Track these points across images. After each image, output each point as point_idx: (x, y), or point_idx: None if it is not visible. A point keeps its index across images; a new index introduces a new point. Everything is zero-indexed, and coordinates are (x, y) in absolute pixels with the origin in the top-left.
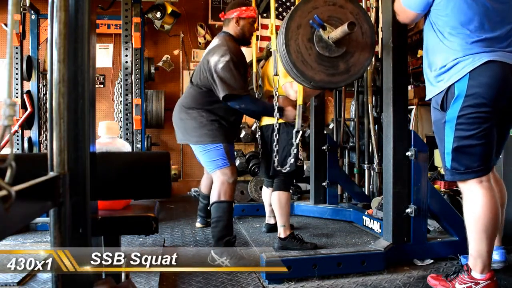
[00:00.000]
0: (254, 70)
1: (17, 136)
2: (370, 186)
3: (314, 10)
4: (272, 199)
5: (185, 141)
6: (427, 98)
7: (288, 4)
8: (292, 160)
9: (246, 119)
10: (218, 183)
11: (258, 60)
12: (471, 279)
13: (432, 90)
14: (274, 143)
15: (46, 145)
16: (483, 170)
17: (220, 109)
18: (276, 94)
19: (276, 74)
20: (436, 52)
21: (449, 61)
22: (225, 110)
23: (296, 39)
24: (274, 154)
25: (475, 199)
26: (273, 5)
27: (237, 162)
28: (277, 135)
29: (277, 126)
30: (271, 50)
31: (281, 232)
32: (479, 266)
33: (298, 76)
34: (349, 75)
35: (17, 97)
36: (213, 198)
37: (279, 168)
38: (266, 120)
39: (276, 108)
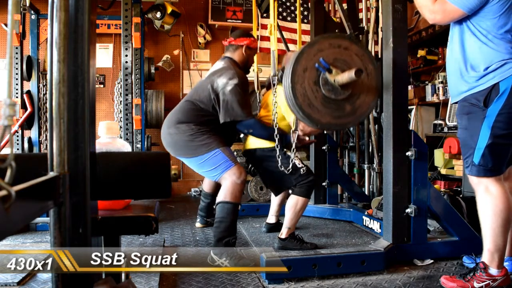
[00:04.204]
0: (256, 71)
1: (17, 136)
2: (370, 186)
3: (319, 53)
4: (289, 200)
5: (178, 156)
6: (457, 95)
7: (288, 4)
8: (299, 164)
9: None
10: (226, 184)
11: (262, 85)
12: (489, 276)
13: (472, 88)
14: (281, 167)
15: (46, 145)
16: (504, 169)
17: (211, 124)
18: (276, 125)
19: (275, 75)
20: (479, 54)
21: (494, 62)
22: (217, 125)
23: (302, 83)
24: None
25: (496, 194)
26: (273, 5)
27: None
28: (280, 156)
29: (277, 152)
30: (273, 77)
31: (283, 233)
32: (496, 260)
33: (304, 118)
34: (355, 116)
35: (17, 97)
36: (219, 197)
37: (303, 172)
38: (251, 145)
39: (277, 133)
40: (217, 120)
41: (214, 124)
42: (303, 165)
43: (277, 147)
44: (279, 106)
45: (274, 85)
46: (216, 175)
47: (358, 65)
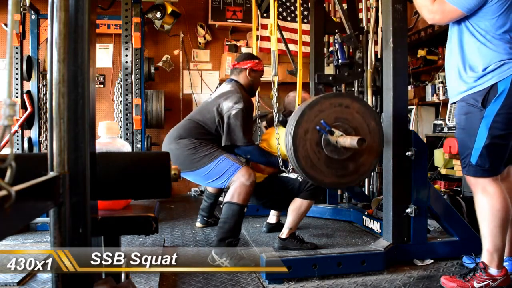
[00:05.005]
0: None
1: (17, 136)
2: (370, 186)
3: (320, 113)
4: (293, 203)
5: (180, 171)
6: (455, 95)
7: (288, 4)
8: (295, 175)
9: None
10: (235, 185)
11: (263, 116)
12: (489, 276)
13: (470, 88)
14: (282, 166)
15: (46, 145)
16: (502, 169)
17: (213, 140)
18: (279, 157)
19: (276, 75)
20: (477, 54)
21: (492, 63)
22: (219, 143)
23: (304, 145)
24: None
25: (493, 194)
26: (273, 5)
27: None
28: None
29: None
30: (275, 114)
31: (284, 233)
32: (496, 260)
33: (307, 179)
34: (358, 174)
35: (17, 97)
36: (227, 197)
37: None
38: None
39: (280, 161)
40: (218, 139)
41: (215, 141)
42: (298, 174)
43: (281, 167)
44: (282, 149)
45: (274, 123)
46: (224, 181)
47: (360, 123)
